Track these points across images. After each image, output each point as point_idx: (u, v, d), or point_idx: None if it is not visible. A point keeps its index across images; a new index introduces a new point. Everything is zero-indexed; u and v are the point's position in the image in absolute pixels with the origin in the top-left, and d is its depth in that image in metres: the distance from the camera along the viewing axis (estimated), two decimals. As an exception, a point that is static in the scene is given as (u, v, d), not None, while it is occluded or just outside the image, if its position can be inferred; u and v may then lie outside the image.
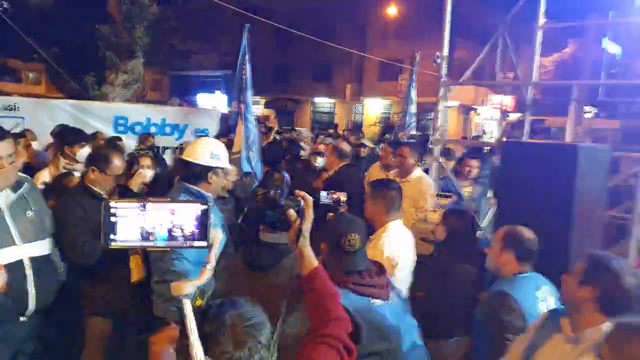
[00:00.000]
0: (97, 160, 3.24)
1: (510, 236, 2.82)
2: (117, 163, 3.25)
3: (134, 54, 9.11)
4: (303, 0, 30.69)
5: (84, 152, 4.33)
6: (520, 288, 2.68)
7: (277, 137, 17.41)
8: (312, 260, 1.81)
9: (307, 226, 1.82)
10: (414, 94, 7.55)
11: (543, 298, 2.71)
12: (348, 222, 2.46)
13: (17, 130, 6.51)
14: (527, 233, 2.81)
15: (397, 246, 3.15)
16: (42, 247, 2.71)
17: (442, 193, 4.68)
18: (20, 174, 2.75)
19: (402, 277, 3.14)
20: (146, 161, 3.90)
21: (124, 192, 3.50)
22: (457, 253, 3.35)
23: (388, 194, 3.29)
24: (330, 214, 3.18)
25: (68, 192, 3.45)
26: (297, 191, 1.89)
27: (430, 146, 5.29)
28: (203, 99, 39.40)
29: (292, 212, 1.81)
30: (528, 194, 3.40)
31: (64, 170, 4.19)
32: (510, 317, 2.55)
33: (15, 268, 2.50)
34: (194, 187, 2.84)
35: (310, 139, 12.23)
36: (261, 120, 25.87)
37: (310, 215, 1.84)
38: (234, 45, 6.08)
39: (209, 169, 2.83)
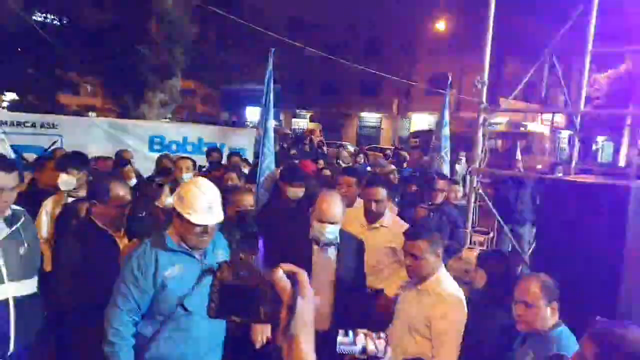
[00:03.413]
0: (96, 192, 3.01)
1: (549, 288, 2.51)
2: (119, 192, 2.97)
3: (172, 74, 9.25)
4: (352, 16, 30.76)
5: (64, 178, 3.99)
6: (572, 344, 2.36)
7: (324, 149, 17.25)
8: None
9: (306, 307, 1.07)
10: (447, 115, 7.15)
11: None
12: None
13: (54, 147, 6.65)
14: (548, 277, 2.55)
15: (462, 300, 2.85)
16: (29, 286, 2.58)
17: (479, 228, 4.31)
18: (17, 207, 2.63)
19: None
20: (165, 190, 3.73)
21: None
22: (498, 299, 3.03)
23: (434, 238, 2.91)
24: None
25: (71, 227, 3.30)
26: (281, 265, 1.11)
27: (469, 175, 4.94)
28: (252, 113, 40.10)
29: (280, 276, 1.08)
30: (571, 238, 3.03)
31: (69, 198, 3.95)
32: None
33: None
34: None
35: (350, 155, 11.70)
36: (306, 135, 25.95)
37: (308, 294, 1.09)
38: (282, 59, 5.91)
39: None
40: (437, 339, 2.73)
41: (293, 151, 10.95)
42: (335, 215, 2.98)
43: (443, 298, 2.77)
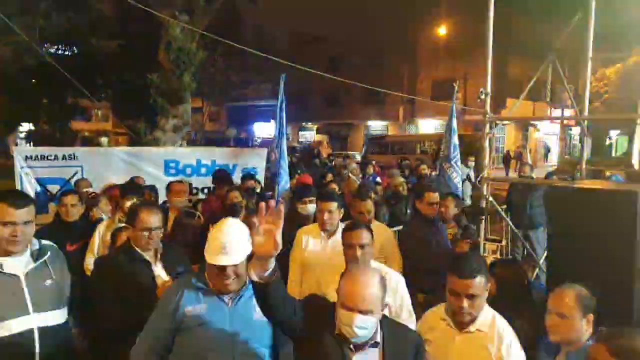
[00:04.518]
0: (129, 217, 3.22)
1: (585, 299, 2.51)
2: (145, 217, 3.09)
3: (182, 99, 9.48)
4: (353, 26, 31.04)
5: (128, 204, 4.44)
6: None
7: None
8: None
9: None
10: (455, 123, 7.16)
11: None
12: None
13: (76, 178, 6.88)
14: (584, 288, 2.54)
15: None
16: (57, 317, 2.66)
17: (491, 237, 4.40)
18: (44, 241, 2.76)
19: None
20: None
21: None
22: (510, 307, 3.10)
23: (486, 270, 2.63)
24: None
25: (110, 252, 3.50)
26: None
27: (478, 184, 5.05)
28: (259, 128, 40.57)
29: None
30: (582, 246, 3.14)
31: (119, 224, 4.26)
32: None
33: (23, 338, 2.49)
34: None
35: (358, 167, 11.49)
36: (314, 146, 26.16)
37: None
38: (288, 74, 5.99)
39: None
40: None
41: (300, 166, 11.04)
42: (370, 299, 2.12)
43: (502, 329, 2.57)
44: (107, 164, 7.28)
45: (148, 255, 3.15)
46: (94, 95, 13.60)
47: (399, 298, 3.09)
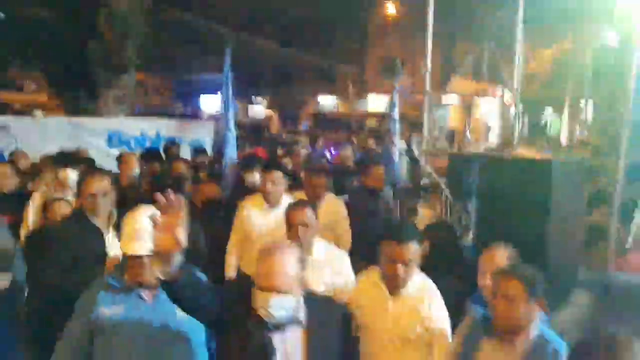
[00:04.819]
0: (78, 185, 3.34)
1: (512, 257, 2.79)
2: (86, 185, 3.19)
3: (124, 69, 9.18)
4: (304, 1, 30.76)
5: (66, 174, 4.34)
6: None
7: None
8: None
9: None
10: (396, 98, 7.25)
11: None
12: None
13: (10, 149, 6.61)
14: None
15: None
16: None
17: (428, 204, 4.67)
18: None
19: None
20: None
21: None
22: (442, 266, 3.30)
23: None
24: None
25: (48, 221, 3.57)
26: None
27: (418, 158, 5.30)
28: (206, 101, 39.65)
29: None
30: (505, 208, 3.44)
31: (55, 195, 4.16)
32: None
33: None
34: None
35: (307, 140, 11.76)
36: (263, 122, 26.12)
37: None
38: (235, 48, 6.00)
39: None
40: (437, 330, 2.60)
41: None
42: (285, 279, 2.03)
43: (430, 290, 2.68)
44: (45, 135, 7.04)
45: (99, 222, 3.18)
46: (26, 65, 12.85)
47: (343, 277, 3.11)
